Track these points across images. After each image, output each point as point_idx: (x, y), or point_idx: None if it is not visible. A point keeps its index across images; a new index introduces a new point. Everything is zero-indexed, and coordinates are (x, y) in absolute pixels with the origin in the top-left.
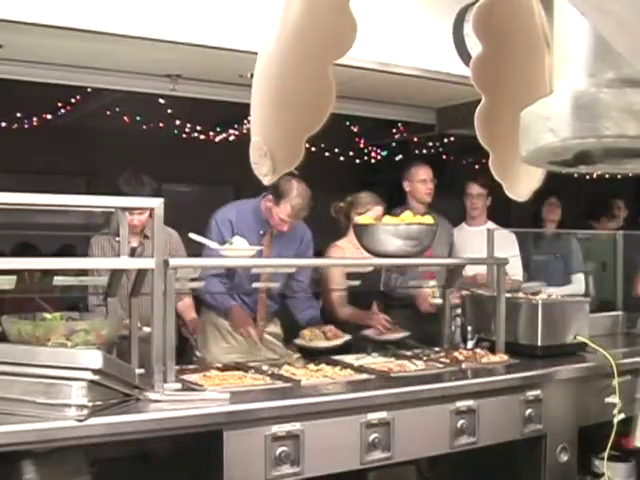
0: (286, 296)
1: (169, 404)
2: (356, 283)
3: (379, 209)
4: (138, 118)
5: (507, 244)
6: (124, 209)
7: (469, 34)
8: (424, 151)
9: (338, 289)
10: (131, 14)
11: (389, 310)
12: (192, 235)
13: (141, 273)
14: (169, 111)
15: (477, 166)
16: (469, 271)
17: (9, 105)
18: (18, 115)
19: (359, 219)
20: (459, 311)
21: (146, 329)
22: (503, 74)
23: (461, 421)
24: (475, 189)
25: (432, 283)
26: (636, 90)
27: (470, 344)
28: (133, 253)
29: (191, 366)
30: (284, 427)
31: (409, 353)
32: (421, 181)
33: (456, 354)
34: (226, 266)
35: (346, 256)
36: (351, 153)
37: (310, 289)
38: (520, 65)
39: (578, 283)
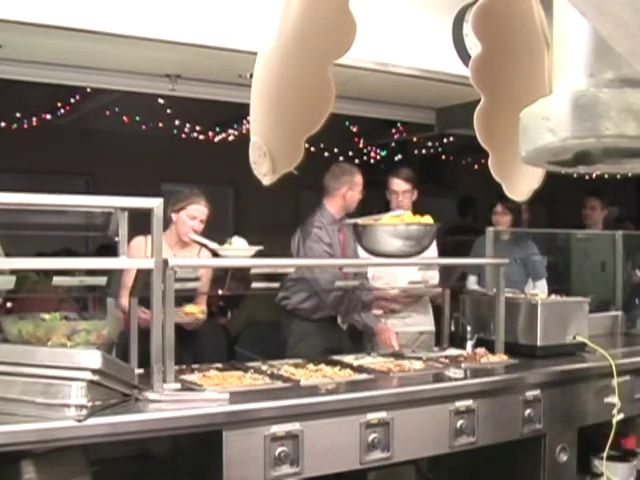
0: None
1: (168, 404)
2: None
3: (198, 208)
4: (137, 118)
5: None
6: (123, 209)
7: (468, 34)
8: (423, 151)
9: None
10: (131, 14)
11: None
12: (191, 235)
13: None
14: (168, 111)
15: (477, 166)
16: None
17: (9, 105)
18: (17, 115)
19: (359, 220)
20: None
21: None
22: (502, 74)
23: (460, 421)
24: (398, 185)
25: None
26: (636, 90)
27: (469, 344)
28: None
29: (194, 365)
30: (283, 427)
31: (409, 353)
32: (360, 191)
33: (455, 354)
34: (226, 266)
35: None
36: (350, 153)
37: None
38: (520, 65)
39: (541, 289)
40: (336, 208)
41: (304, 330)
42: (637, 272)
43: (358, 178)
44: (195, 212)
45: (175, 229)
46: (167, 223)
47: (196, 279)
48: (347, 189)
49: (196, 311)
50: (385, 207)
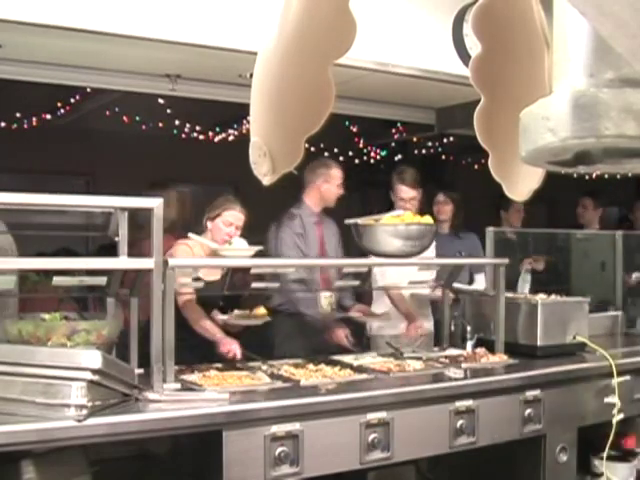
0: None
1: (169, 404)
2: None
3: (234, 214)
4: (137, 118)
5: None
6: (123, 209)
7: (468, 34)
8: (423, 151)
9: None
10: (131, 14)
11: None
12: (192, 235)
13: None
14: (168, 111)
15: (477, 166)
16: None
17: (9, 105)
18: (17, 115)
19: (359, 220)
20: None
21: None
22: (502, 74)
23: (460, 421)
24: (406, 192)
25: (327, 294)
26: (636, 90)
27: (469, 344)
28: None
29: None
30: (283, 427)
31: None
32: (338, 185)
33: (456, 354)
34: (226, 266)
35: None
36: (350, 153)
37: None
38: (520, 65)
39: (479, 283)
40: (314, 201)
41: (290, 328)
42: (632, 276)
43: (334, 171)
44: (231, 218)
45: (210, 237)
46: (182, 229)
47: (198, 279)
48: (322, 181)
49: (265, 313)
50: (387, 207)
